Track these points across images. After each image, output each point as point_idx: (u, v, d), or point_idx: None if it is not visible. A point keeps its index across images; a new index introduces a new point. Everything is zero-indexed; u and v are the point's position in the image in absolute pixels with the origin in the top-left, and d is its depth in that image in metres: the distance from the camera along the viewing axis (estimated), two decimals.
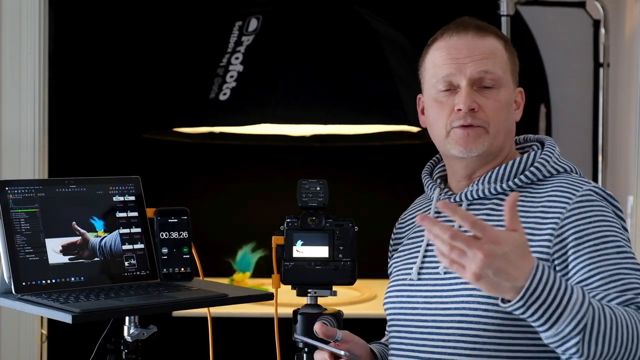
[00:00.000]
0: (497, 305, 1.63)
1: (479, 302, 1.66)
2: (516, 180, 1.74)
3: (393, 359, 1.79)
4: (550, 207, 1.68)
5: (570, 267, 1.64)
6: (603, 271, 1.61)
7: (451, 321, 1.70)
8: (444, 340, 1.70)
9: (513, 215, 1.42)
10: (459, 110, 1.73)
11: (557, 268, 1.65)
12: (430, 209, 1.87)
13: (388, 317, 1.84)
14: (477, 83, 1.74)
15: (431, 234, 1.38)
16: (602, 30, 4.17)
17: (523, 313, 1.44)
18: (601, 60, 4.18)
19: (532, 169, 1.74)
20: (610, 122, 4.18)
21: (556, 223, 1.66)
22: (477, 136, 1.74)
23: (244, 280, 4.01)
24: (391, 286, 1.85)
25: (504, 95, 1.75)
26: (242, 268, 4.05)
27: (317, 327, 1.74)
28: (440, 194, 1.83)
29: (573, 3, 4.22)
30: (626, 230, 1.71)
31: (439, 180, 1.88)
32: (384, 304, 1.85)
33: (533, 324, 1.46)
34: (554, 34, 4.30)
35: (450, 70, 1.74)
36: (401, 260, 1.86)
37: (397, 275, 1.84)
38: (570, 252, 1.64)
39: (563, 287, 1.44)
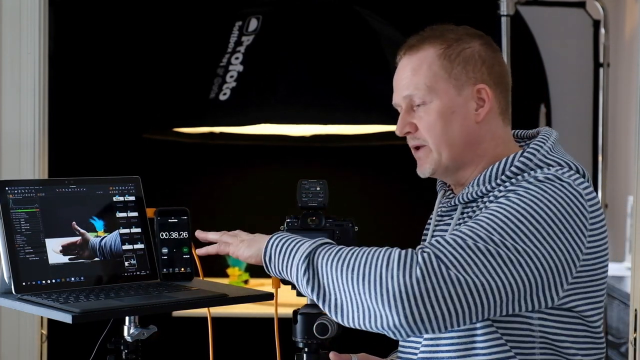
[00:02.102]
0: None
1: None
2: (498, 181, 1.72)
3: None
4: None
5: None
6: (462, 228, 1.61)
7: None
8: (439, 345, 1.70)
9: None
10: None
11: None
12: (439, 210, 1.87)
13: None
14: (410, 105, 1.77)
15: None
16: (602, 30, 4.17)
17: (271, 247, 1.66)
18: (601, 60, 4.18)
19: (512, 168, 1.71)
20: (610, 122, 4.19)
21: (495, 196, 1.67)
22: (424, 157, 1.77)
23: (235, 275, 4.03)
24: None
25: (435, 107, 1.74)
26: (234, 262, 4.09)
27: (332, 356, 1.78)
28: (443, 197, 1.86)
29: (573, 3, 4.22)
30: (580, 219, 1.62)
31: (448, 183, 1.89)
32: None
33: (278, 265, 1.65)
34: (554, 34, 4.30)
35: (394, 100, 1.81)
36: None
37: None
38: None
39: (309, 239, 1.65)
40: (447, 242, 1.55)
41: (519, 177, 1.68)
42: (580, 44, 4.28)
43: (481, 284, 1.53)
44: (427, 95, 1.74)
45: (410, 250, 1.55)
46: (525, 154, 1.72)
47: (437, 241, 1.56)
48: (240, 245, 1.73)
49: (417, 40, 1.80)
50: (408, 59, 1.78)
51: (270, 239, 1.68)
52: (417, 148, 1.78)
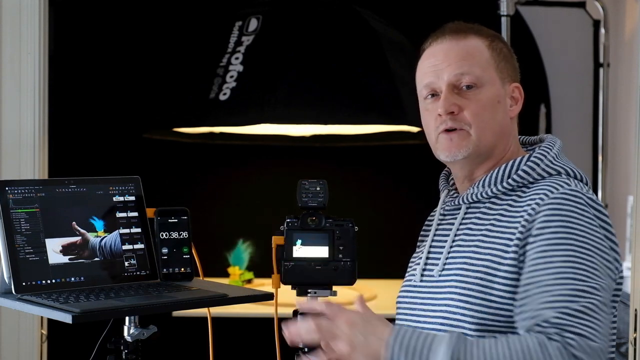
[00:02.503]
0: (478, 311, 1.64)
1: (457, 307, 1.67)
2: (504, 184, 1.74)
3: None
4: (526, 211, 1.66)
5: (522, 272, 1.63)
6: (538, 281, 1.59)
7: (434, 323, 1.72)
8: None
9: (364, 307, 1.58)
10: (440, 115, 1.75)
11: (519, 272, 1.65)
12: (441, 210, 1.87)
13: (396, 317, 1.86)
14: (457, 86, 1.76)
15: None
16: (602, 30, 4.17)
17: (397, 353, 1.50)
18: (601, 60, 4.18)
19: (519, 172, 1.73)
20: (610, 122, 4.19)
21: (524, 226, 1.65)
22: (460, 139, 1.75)
23: (236, 274, 4.04)
24: (402, 286, 1.88)
25: (486, 94, 1.75)
26: (235, 262, 4.09)
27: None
28: (447, 196, 1.85)
29: (573, 3, 4.22)
30: (606, 236, 1.66)
31: (452, 182, 1.89)
32: (396, 302, 1.88)
33: None
34: (554, 34, 4.30)
35: (430, 79, 1.77)
36: (413, 260, 1.89)
37: (408, 275, 1.87)
38: (525, 260, 1.63)
39: (430, 334, 1.53)
40: (571, 315, 1.54)
41: (541, 194, 1.66)
42: (580, 44, 4.28)
43: (608, 338, 1.58)
44: (478, 80, 1.75)
45: (554, 343, 1.51)
46: (532, 158, 1.74)
47: (559, 318, 1.54)
48: (354, 354, 1.52)
49: (459, 28, 1.79)
50: (456, 42, 1.77)
51: (391, 351, 1.52)
52: (450, 130, 1.75)
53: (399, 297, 1.86)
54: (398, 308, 1.85)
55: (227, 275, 4.05)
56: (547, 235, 1.62)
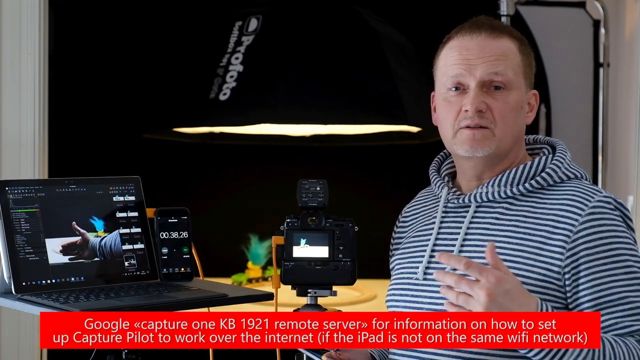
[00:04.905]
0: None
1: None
2: (526, 185, 1.73)
3: (395, 357, 1.79)
4: (563, 216, 1.68)
5: (580, 286, 1.66)
6: (611, 293, 1.64)
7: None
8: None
9: (497, 260, 1.55)
10: (467, 111, 1.73)
11: (567, 282, 1.66)
12: (437, 208, 1.84)
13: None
14: (486, 84, 1.73)
15: (439, 277, 1.55)
16: (602, 30, 4.17)
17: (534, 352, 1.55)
18: (601, 60, 4.18)
19: (543, 174, 1.74)
20: (610, 122, 4.18)
21: (568, 236, 1.66)
22: (483, 137, 1.73)
23: (251, 269, 4.05)
24: (395, 283, 1.84)
25: (513, 97, 1.74)
26: (254, 260, 4.09)
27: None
28: (448, 193, 1.82)
29: (573, 3, 4.22)
30: (635, 242, 1.70)
31: (446, 178, 1.86)
32: (387, 301, 1.85)
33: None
34: (554, 34, 4.30)
35: (460, 71, 1.74)
36: (406, 258, 1.85)
37: (402, 272, 1.83)
38: (582, 271, 1.65)
39: None
40: None
41: (575, 200, 1.69)
42: (580, 44, 4.28)
43: None
44: (509, 82, 1.74)
45: None
46: (554, 162, 1.75)
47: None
48: (491, 304, 1.52)
49: (494, 25, 1.76)
50: (492, 39, 1.74)
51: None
52: (475, 128, 1.73)
53: (393, 294, 1.83)
54: (394, 307, 1.82)
55: (227, 275, 4.05)
56: (602, 248, 1.66)
